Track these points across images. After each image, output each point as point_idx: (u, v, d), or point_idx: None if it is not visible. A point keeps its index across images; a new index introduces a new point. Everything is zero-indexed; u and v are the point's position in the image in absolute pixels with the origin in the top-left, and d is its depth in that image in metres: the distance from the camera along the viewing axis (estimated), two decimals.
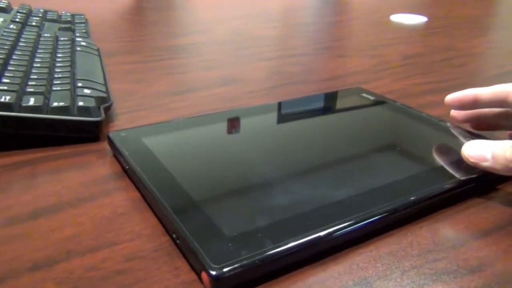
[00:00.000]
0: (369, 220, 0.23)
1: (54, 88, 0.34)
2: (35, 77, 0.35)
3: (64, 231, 0.23)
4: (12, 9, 0.57)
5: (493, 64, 0.62)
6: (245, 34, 0.71)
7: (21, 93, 0.32)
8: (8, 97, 0.30)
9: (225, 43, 0.64)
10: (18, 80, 0.33)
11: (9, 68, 0.35)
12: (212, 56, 0.57)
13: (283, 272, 0.21)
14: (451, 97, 0.34)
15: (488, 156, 0.26)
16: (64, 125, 0.31)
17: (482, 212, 0.26)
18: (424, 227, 0.25)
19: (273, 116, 0.36)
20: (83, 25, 0.55)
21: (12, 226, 0.24)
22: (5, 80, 0.33)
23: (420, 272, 0.21)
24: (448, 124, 0.35)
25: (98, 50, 0.48)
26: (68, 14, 0.60)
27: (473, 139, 0.32)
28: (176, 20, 0.82)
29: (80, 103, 0.32)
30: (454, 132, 0.34)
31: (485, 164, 0.26)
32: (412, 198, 0.25)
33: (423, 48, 0.67)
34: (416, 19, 0.87)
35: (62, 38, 0.47)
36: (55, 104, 0.31)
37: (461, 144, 0.28)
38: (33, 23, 0.51)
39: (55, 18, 0.56)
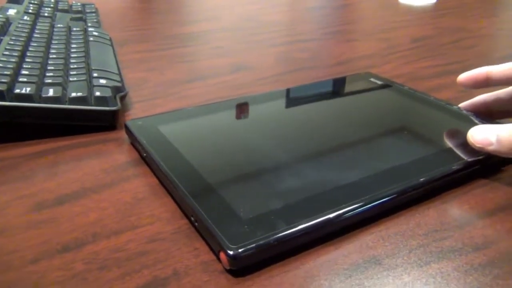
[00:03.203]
0: (378, 202, 0.24)
1: (71, 79, 0.35)
2: (52, 68, 0.36)
3: (89, 216, 0.25)
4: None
5: (503, 45, 0.62)
6: (253, 20, 0.71)
7: (40, 84, 0.33)
8: (28, 89, 0.31)
9: (234, 29, 0.65)
10: (36, 72, 0.34)
11: (27, 59, 0.37)
12: (221, 43, 0.58)
13: (296, 251, 0.22)
14: (464, 76, 0.34)
15: (493, 139, 0.27)
16: (82, 114, 0.32)
17: (487, 193, 0.27)
18: (431, 208, 0.26)
19: (284, 102, 0.37)
20: (93, 14, 0.56)
21: (40, 212, 0.25)
22: (24, 72, 0.34)
23: (427, 250, 0.23)
24: (455, 107, 0.35)
25: (110, 39, 0.49)
26: (79, 4, 0.61)
27: (480, 121, 0.33)
28: (185, 7, 0.83)
29: (97, 93, 0.33)
30: (461, 114, 0.34)
31: (491, 148, 0.27)
32: (419, 180, 0.26)
33: (432, 30, 0.67)
34: (425, 1, 0.87)
35: (74, 29, 0.48)
36: (73, 94, 0.32)
37: (467, 126, 0.29)
38: (46, 14, 0.52)
39: (66, 8, 0.57)
